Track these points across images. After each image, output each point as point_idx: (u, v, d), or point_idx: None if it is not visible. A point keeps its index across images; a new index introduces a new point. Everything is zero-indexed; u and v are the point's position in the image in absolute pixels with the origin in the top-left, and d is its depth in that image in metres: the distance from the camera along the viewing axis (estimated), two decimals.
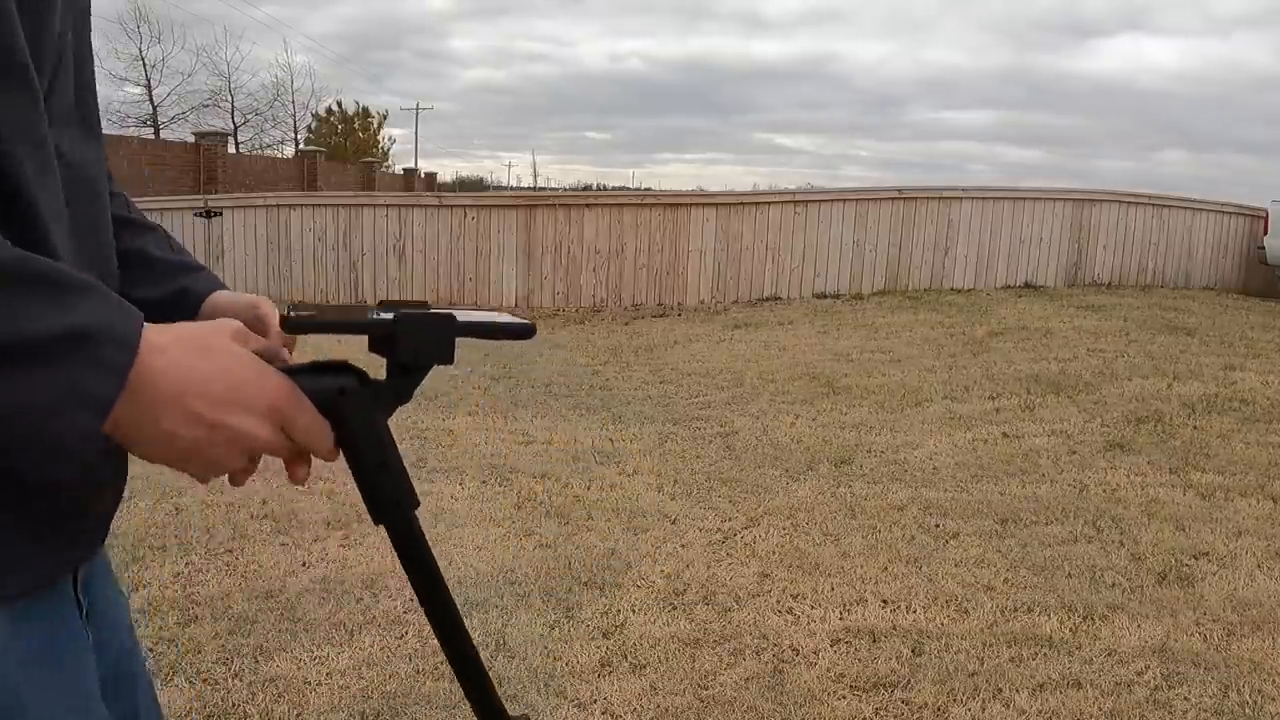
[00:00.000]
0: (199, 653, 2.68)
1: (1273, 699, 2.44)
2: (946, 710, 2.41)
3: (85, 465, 0.57)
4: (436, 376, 5.91)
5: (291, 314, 0.64)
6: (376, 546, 3.42)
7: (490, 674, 0.76)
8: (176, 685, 2.51)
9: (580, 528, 3.63)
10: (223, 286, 0.88)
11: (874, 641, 2.75)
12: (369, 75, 58.98)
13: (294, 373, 0.64)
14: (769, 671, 2.59)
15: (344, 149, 36.34)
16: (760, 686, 2.52)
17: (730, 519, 3.74)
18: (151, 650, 2.69)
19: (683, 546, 3.45)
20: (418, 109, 47.66)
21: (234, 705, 2.43)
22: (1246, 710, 2.39)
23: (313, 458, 0.67)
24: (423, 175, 34.93)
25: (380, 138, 40.97)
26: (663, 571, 3.23)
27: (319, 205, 9.80)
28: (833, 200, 9.70)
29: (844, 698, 2.47)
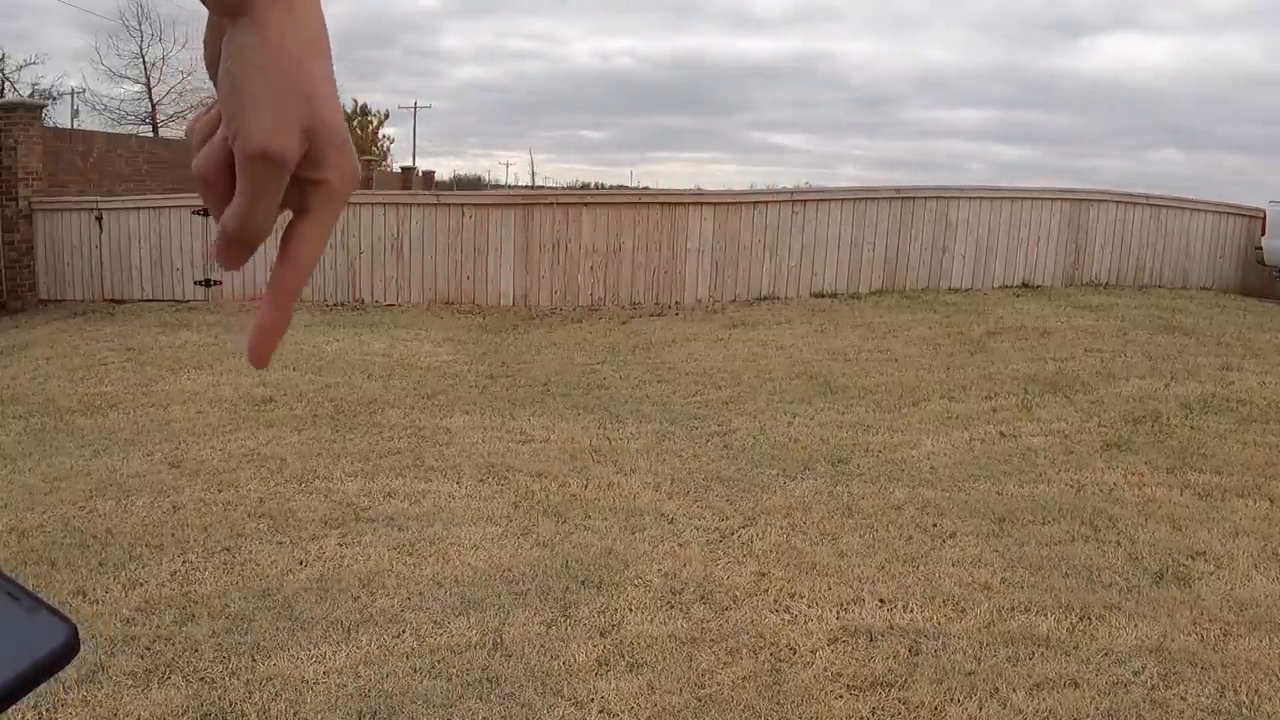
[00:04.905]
0: (196, 651, 2.68)
1: (1269, 699, 2.44)
2: (944, 709, 2.41)
3: None
4: (433, 375, 5.89)
5: None
6: (374, 545, 3.42)
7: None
8: (173, 684, 2.51)
9: (577, 527, 3.63)
10: None
11: (871, 641, 2.75)
12: (364, 74, 58.82)
13: None
14: (766, 671, 2.59)
15: None
16: (757, 686, 2.52)
17: (728, 518, 3.74)
18: (149, 649, 2.69)
19: (680, 546, 3.45)
20: (415, 107, 47.58)
21: (231, 704, 2.42)
22: (1243, 710, 2.40)
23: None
24: (420, 174, 34.86)
25: (379, 136, 40.92)
26: (660, 571, 3.23)
27: None
28: (830, 199, 9.70)
29: (841, 697, 2.47)
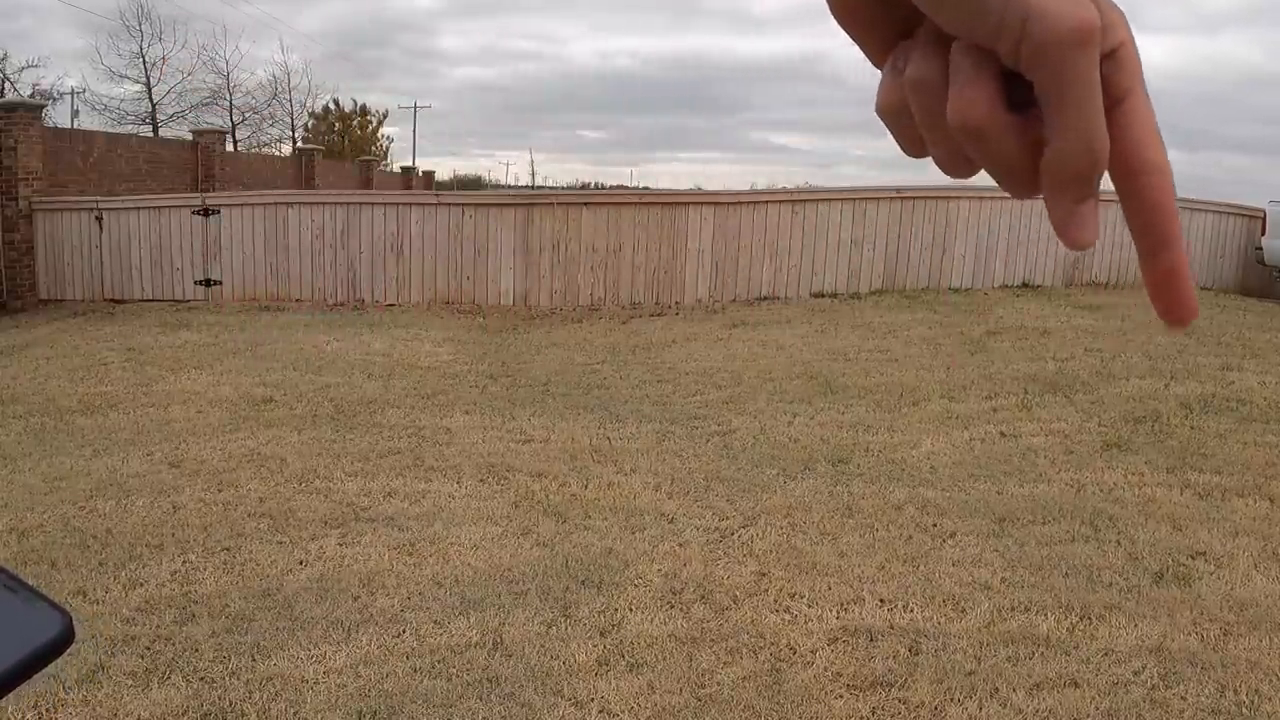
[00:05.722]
0: (196, 651, 2.68)
1: (1269, 698, 2.44)
2: (944, 709, 2.41)
3: None
4: (433, 375, 5.88)
5: None
6: (374, 545, 3.42)
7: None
8: (174, 683, 2.51)
9: (578, 527, 3.63)
10: None
11: (871, 641, 2.75)
12: (362, 74, 58.74)
13: None
14: (766, 670, 2.59)
15: (341, 147, 36.28)
16: (757, 685, 2.52)
17: (728, 518, 3.74)
18: (149, 649, 2.69)
19: (680, 545, 3.45)
20: (415, 107, 47.53)
21: (231, 704, 2.42)
22: (1243, 710, 2.40)
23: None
24: (420, 174, 34.82)
25: (379, 136, 40.93)
26: (660, 570, 3.23)
27: (317, 204, 9.78)
28: (830, 199, 9.71)
29: (841, 697, 2.47)
